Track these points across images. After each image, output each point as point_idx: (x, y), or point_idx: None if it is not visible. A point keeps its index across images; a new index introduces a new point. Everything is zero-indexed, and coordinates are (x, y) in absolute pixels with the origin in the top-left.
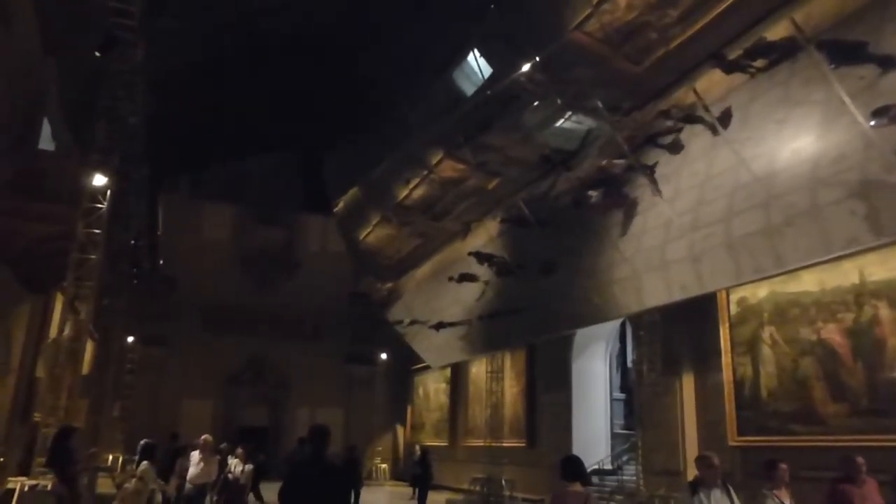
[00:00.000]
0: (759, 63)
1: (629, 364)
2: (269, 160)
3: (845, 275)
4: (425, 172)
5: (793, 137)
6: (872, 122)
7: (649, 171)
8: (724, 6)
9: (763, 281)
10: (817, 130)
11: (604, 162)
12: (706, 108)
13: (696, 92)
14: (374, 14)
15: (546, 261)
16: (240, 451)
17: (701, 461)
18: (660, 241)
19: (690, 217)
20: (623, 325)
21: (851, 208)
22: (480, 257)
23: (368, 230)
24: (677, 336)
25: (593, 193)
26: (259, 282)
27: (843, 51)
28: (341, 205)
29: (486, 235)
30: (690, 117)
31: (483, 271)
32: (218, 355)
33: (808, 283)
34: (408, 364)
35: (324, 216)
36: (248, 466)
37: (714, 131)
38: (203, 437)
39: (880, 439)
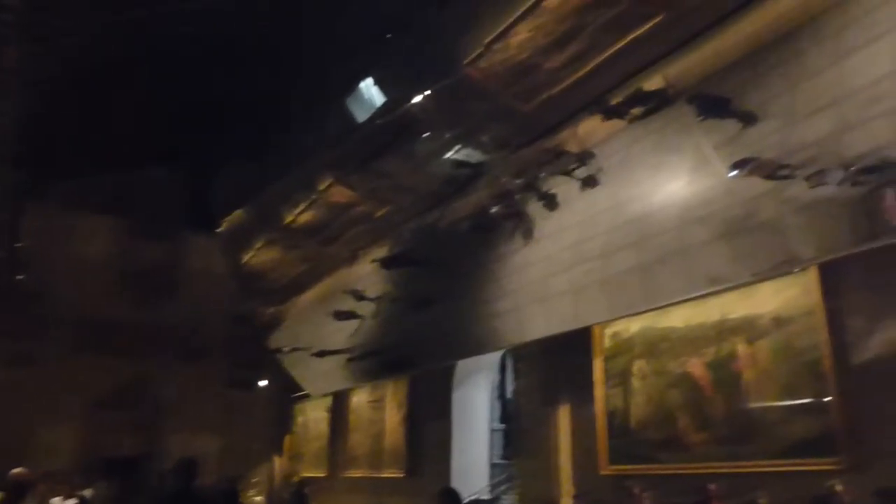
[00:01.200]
0: (636, 111)
1: (509, 395)
2: (156, 174)
3: (708, 312)
4: (314, 197)
5: (665, 182)
6: (733, 173)
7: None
8: (604, 56)
9: (636, 316)
10: (687, 176)
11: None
12: (583, 158)
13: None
14: (276, 34)
15: (422, 296)
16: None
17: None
18: (542, 275)
19: (571, 253)
20: (504, 357)
21: (715, 250)
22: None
23: (253, 252)
24: (556, 368)
25: (495, 209)
26: (138, 300)
27: (711, 105)
28: (225, 225)
29: (372, 264)
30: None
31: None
32: (88, 376)
33: (676, 319)
34: (288, 392)
35: (210, 235)
36: (71, 502)
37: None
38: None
39: (738, 466)
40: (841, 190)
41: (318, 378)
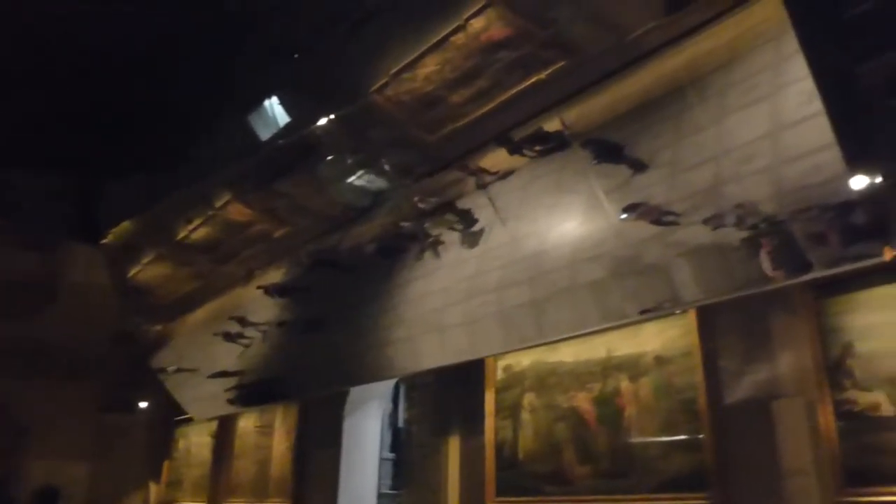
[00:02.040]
0: (536, 149)
1: (400, 424)
2: (39, 181)
3: (596, 349)
4: (210, 213)
5: (560, 221)
6: (623, 216)
7: (432, 239)
8: (508, 95)
9: (528, 350)
10: (581, 217)
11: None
12: (485, 187)
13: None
14: (179, 45)
15: (316, 321)
16: None
17: None
18: (438, 305)
19: (468, 285)
20: (397, 386)
21: (603, 289)
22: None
23: (141, 267)
24: (448, 398)
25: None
26: (9, 312)
27: (605, 150)
28: (112, 237)
29: (268, 283)
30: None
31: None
32: None
33: (566, 354)
34: (171, 415)
35: (94, 246)
36: None
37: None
38: None
39: (618, 499)
40: (721, 237)
41: (204, 401)
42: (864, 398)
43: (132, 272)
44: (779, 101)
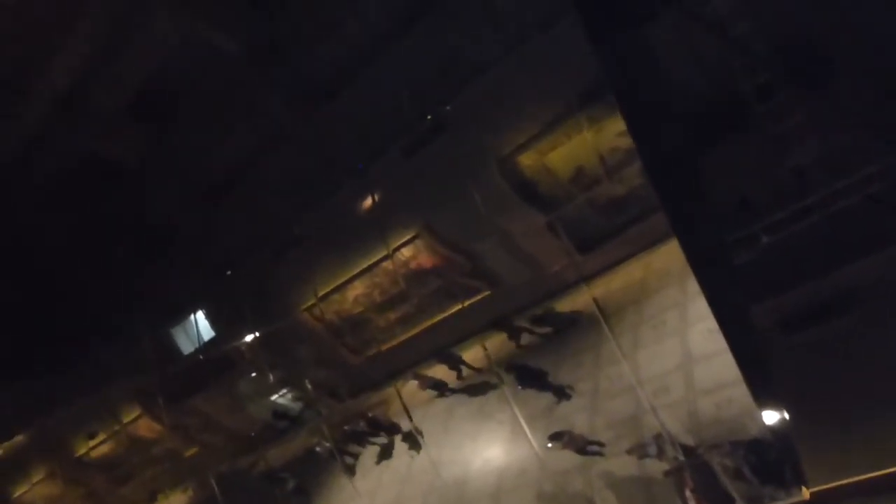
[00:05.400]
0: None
1: None
2: None
3: None
4: (116, 427)
5: (484, 448)
6: (549, 445)
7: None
8: (434, 320)
9: None
10: (504, 445)
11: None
12: (409, 417)
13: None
14: (96, 246)
15: None
16: None
17: None
18: None
19: None
20: None
21: None
22: None
23: (27, 487)
24: None
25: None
26: None
27: (528, 377)
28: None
29: None
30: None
31: None
32: None
33: None
34: None
35: None
36: None
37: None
38: None
39: None
40: (644, 468)
41: None
42: None
43: (16, 493)
44: (687, 337)
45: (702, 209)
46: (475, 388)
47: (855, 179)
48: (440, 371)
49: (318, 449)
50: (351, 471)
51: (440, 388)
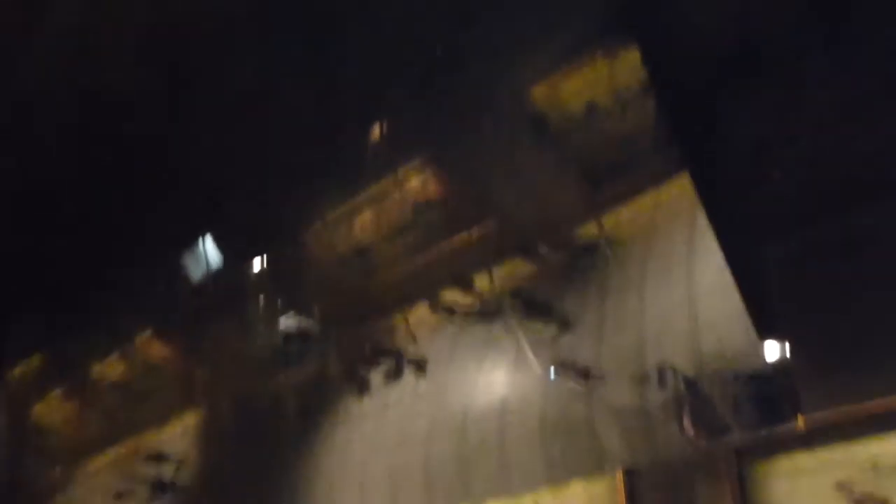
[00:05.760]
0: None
1: None
2: None
3: None
4: (128, 351)
5: (488, 375)
6: (552, 373)
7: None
8: (438, 252)
9: None
10: (508, 373)
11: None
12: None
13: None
14: (106, 177)
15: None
16: None
17: None
18: (362, 456)
19: (393, 435)
20: None
21: (530, 446)
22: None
23: (45, 404)
24: None
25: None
26: None
27: (533, 307)
28: (17, 371)
29: (181, 427)
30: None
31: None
32: None
33: None
34: None
35: None
36: None
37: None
38: None
39: None
40: (644, 398)
41: None
42: None
43: (35, 410)
44: (693, 272)
45: (715, 146)
46: (481, 317)
47: (871, 122)
48: (451, 297)
49: (326, 373)
50: (359, 394)
51: (452, 312)
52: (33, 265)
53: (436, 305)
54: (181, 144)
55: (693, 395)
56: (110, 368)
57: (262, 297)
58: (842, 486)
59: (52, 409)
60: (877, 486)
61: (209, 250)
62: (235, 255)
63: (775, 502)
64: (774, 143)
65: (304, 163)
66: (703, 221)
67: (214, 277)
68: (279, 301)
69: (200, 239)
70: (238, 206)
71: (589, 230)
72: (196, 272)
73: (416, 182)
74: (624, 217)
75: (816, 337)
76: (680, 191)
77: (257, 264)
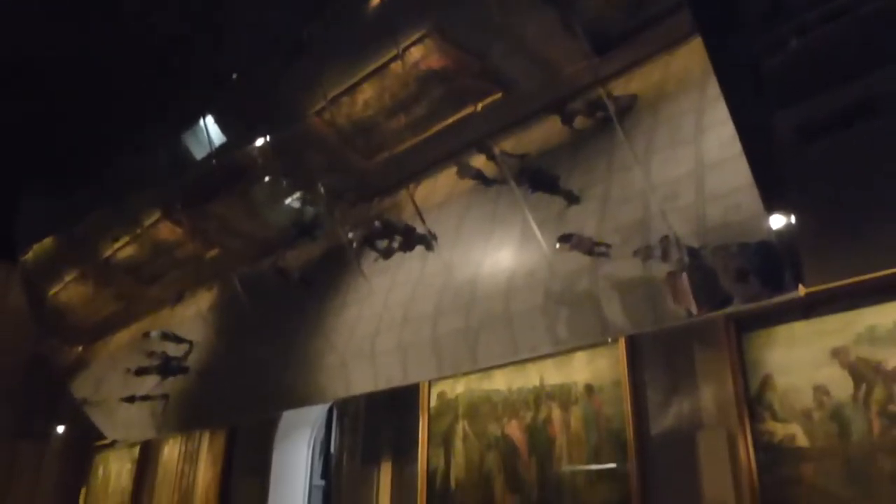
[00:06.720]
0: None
1: (332, 451)
2: None
3: (528, 377)
4: (137, 231)
5: (494, 250)
6: (557, 246)
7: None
8: (444, 124)
9: (462, 377)
10: (514, 247)
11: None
12: (422, 220)
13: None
14: (110, 58)
15: (245, 346)
16: None
17: None
18: (371, 331)
19: (401, 311)
20: (330, 412)
21: (535, 318)
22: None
23: (60, 286)
24: (381, 425)
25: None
26: None
27: (540, 181)
28: (31, 254)
29: (195, 307)
30: (407, 234)
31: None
32: None
33: (499, 382)
34: (89, 440)
35: (8, 263)
36: None
37: (428, 245)
38: None
39: None
40: (648, 270)
41: (125, 425)
42: (782, 430)
43: (51, 291)
44: (702, 142)
45: (729, 9)
46: (487, 192)
47: None
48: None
49: (333, 251)
50: (368, 270)
51: (480, 177)
52: (39, 147)
53: (469, 168)
54: (180, 26)
55: (696, 266)
56: (122, 251)
57: (265, 177)
58: (837, 352)
59: (68, 291)
60: (872, 352)
61: (212, 130)
62: (237, 135)
63: (771, 368)
64: (791, 6)
65: (305, 38)
66: (714, 89)
67: (217, 157)
68: (284, 181)
69: (203, 119)
70: (239, 85)
71: (596, 99)
72: (201, 153)
73: (419, 54)
74: (632, 86)
75: (824, 207)
76: (690, 57)
77: (259, 143)
